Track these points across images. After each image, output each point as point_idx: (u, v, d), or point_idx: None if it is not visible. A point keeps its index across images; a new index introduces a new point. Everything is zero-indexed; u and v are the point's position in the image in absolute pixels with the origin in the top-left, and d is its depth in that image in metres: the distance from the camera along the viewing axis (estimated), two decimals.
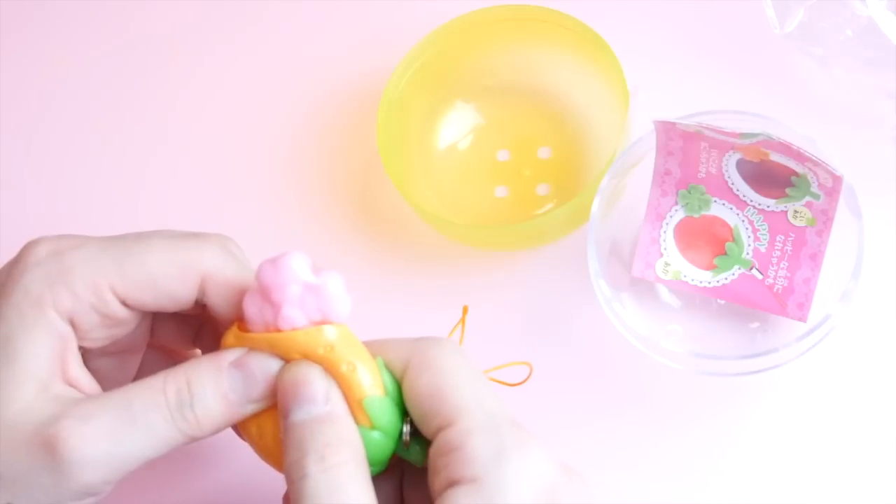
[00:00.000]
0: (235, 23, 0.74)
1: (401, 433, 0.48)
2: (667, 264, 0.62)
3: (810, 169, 0.59)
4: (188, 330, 0.54)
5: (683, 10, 0.70)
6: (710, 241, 0.62)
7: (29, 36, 0.74)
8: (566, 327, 0.64)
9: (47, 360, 0.47)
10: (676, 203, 0.63)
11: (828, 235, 0.60)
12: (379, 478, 0.49)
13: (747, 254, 0.62)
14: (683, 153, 0.61)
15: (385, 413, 0.47)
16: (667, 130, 0.60)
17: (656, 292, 0.63)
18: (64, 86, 0.73)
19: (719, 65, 0.68)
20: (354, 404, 0.47)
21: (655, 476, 0.60)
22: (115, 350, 0.52)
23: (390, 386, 0.47)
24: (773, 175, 0.60)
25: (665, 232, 0.63)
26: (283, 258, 0.47)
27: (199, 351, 0.56)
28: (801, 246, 0.61)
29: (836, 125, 0.65)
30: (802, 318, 0.60)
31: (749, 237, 0.62)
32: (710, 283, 0.62)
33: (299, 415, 0.46)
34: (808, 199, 0.60)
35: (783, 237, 0.61)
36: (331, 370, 0.47)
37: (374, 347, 0.48)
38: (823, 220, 0.60)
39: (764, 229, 0.62)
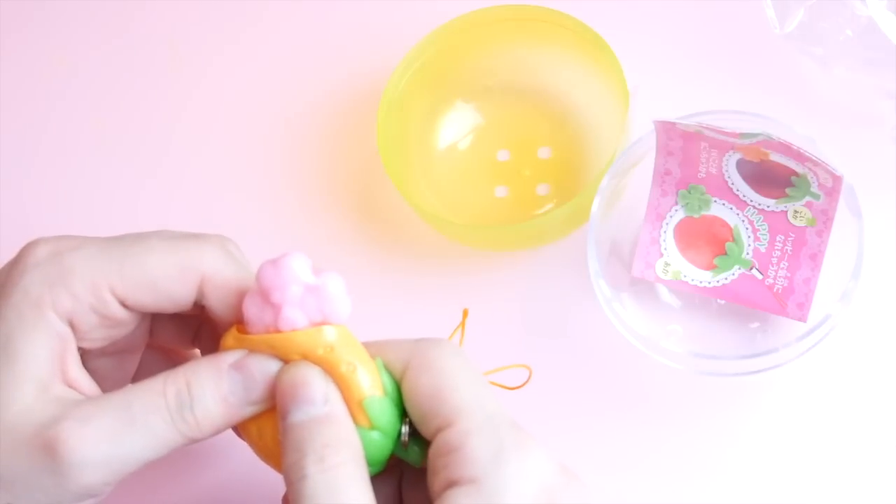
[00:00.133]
0: (235, 23, 0.74)
1: (399, 433, 0.48)
2: (667, 264, 0.62)
3: (810, 169, 0.59)
4: (187, 330, 0.54)
5: (683, 10, 0.70)
6: (710, 241, 0.62)
7: (28, 36, 0.74)
8: (566, 327, 0.64)
9: (47, 361, 0.47)
10: (676, 203, 0.63)
11: (828, 235, 0.60)
12: (378, 478, 0.49)
13: (747, 254, 0.62)
14: (683, 153, 0.61)
15: (384, 413, 0.47)
16: (667, 130, 0.60)
17: (656, 292, 0.63)
18: (63, 87, 0.73)
19: (719, 65, 0.68)
20: (354, 405, 0.47)
21: (655, 476, 0.60)
22: (113, 350, 0.52)
23: (389, 387, 0.48)
24: (773, 175, 0.60)
25: (665, 232, 0.63)
26: (284, 259, 0.47)
27: (198, 351, 0.56)
28: (801, 246, 0.61)
29: (836, 125, 0.65)
30: (802, 318, 0.60)
31: (749, 237, 0.62)
32: (710, 283, 0.62)
33: (298, 416, 0.46)
34: (808, 199, 0.60)
35: (783, 237, 0.61)
36: (330, 371, 0.47)
37: (373, 348, 0.48)
38: (823, 220, 0.60)
39: (764, 229, 0.62)
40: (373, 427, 0.47)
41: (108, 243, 0.49)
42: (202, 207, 0.69)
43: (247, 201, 0.69)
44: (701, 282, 0.62)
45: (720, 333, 0.62)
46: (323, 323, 0.47)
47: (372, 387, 0.47)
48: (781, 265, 0.61)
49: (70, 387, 0.48)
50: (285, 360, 0.48)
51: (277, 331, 0.47)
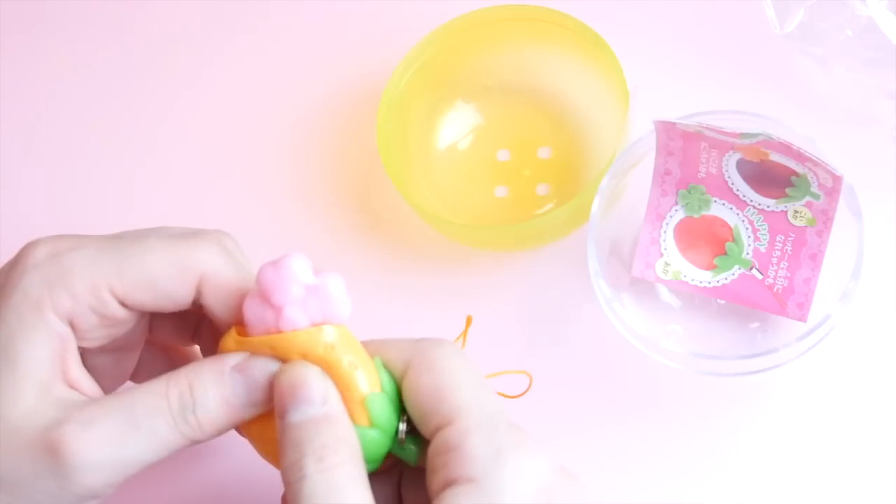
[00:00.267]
0: (235, 23, 0.74)
1: (397, 431, 0.48)
2: (667, 264, 0.62)
3: (810, 169, 0.59)
4: (186, 327, 0.54)
5: (683, 10, 0.70)
6: (710, 241, 0.62)
7: (30, 36, 0.74)
8: (566, 327, 0.64)
9: (47, 362, 0.47)
10: (676, 203, 0.63)
11: (828, 235, 0.60)
12: (378, 478, 0.49)
13: (747, 254, 0.62)
14: (683, 153, 0.61)
15: (383, 411, 0.47)
16: (667, 130, 0.60)
17: (656, 292, 0.63)
18: (64, 87, 0.73)
19: (719, 65, 0.68)
20: (354, 403, 0.47)
21: (655, 476, 0.60)
22: (113, 348, 0.52)
23: (388, 385, 0.48)
24: (773, 175, 0.60)
25: (665, 232, 0.63)
26: (284, 260, 0.47)
27: (197, 347, 0.56)
28: (801, 246, 0.61)
29: (836, 125, 0.65)
30: (802, 318, 0.60)
31: (749, 237, 0.62)
32: (710, 283, 0.62)
33: (296, 416, 0.46)
34: (808, 199, 0.60)
35: (783, 237, 0.61)
36: (330, 369, 0.47)
37: (374, 347, 0.48)
38: (823, 220, 0.60)
39: (764, 229, 0.62)
40: (372, 425, 0.47)
41: (106, 243, 0.49)
42: (202, 207, 0.69)
43: (247, 201, 0.69)
44: (701, 282, 0.62)
45: (720, 333, 0.62)
46: (324, 323, 0.47)
47: (372, 384, 0.47)
48: (781, 265, 0.61)
49: (71, 387, 0.48)
50: (285, 361, 0.48)
51: (278, 331, 0.47)
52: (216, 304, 0.49)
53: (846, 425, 0.60)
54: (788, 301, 0.61)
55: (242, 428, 0.49)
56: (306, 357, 0.47)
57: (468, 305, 0.65)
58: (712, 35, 0.69)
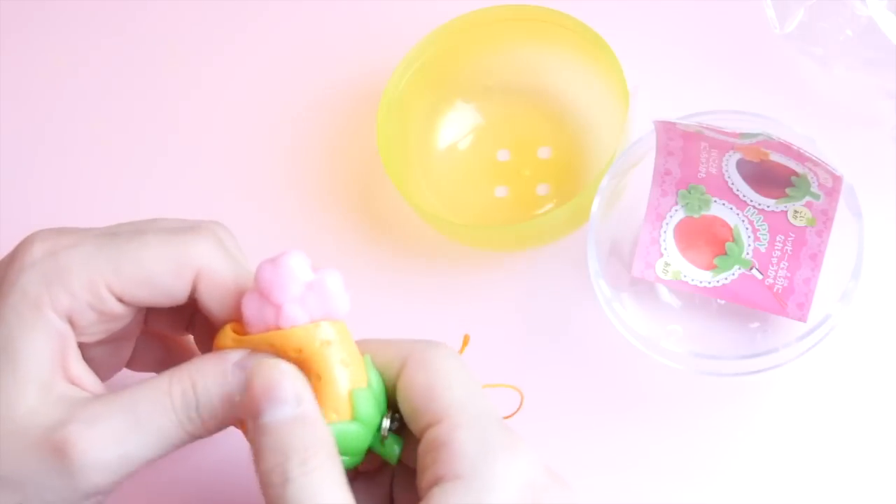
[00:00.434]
0: (235, 23, 0.74)
1: (379, 427, 0.48)
2: (667, 264, 0.62)
3: (810, 169, 0.59)
4: (181, 318, 0.54)
5: (683, 10, 0.70)
6: (710, 241, 0.62)
7: (29, 35, 0.74)
8: (566, 327, 0.64)
9: (48, 360, 0.47)
10: (676, 203, 0.63)
11: (828, 235, 0.60)
12: (370, 480, 0.50)
13: (747, 254, 0.62)
14: (683, 153, 0.61)
15: (366, 406, 0.47)
16: (667, 130, 0.60)
17: (656, 292, 0.63)
18: (63, 87, 0.73)
19: (719, 65, 0.68)
20: (340, 397, 0.47)
21: (655, 476, 0.60)
22: (109, 340, 0.52)
23: (374, 382, 0.48)
24: (773, 175, 0.60)
25: (665, 232, 0.63)
26: (283, 257, 0.47)
27: (191, 337, 0.56)
28: (801, 246, 0.61)
29: (836, 125, 0.65)
30: (802, 318, 0.60)
31: (749, 237, 0.62)
32: (710, 283, 0.62)
33: (272, 416, 0.46)
34: (808, 199, 0.60)
35: (783, 237, 0.61)
36: (322, 364, 0.47)
37: (372, 347, 0.49)
38: (823, 220, 0.60)
39: (764, 229, 0.62)
40: (354, 418, 0.47)
41: (103, 240, 0.49)
42: (202, 207, 0.69)
43: (247, 201, 0.69)
44: (701, 282, 0.62)
45: (720, 333, 0.62)
46: (323, 319, 0.47)
47: (358, 380, 0.48)
48: (781, 265, 0.61)
49: (73, 384, 0.48)
50: (282, 357, 0.48)
51: (276, 328, 0.47)
52: (212, 300, 0.49)
53: (846, 425, 0.60)
54: (788, 301, 0.61)
55: (239, 422, 0.49)
56: (302, 353, 0.47)
57: (468, 305, 0.65)
58: (712, 35, 0.69)
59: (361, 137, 0.69)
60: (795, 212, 0.61)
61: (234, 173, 0.70)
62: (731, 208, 0.62)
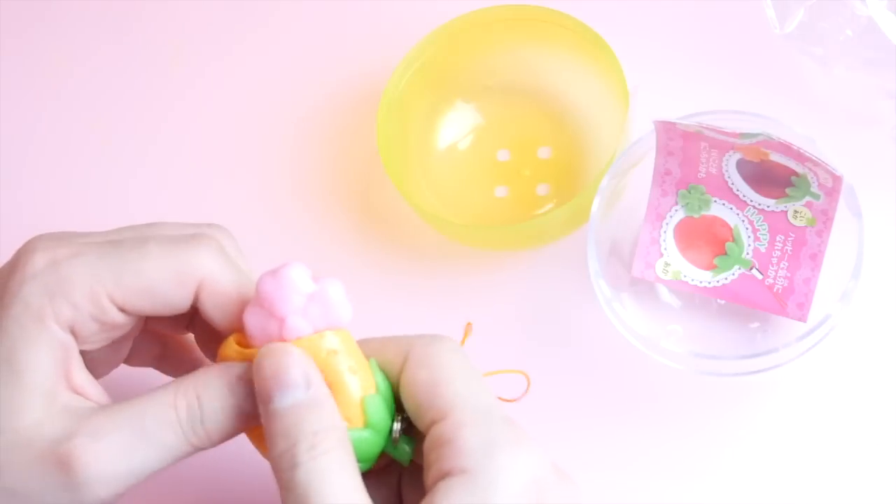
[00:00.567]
0: (235, 24, 0.74)
1: (390, 431, 0.48)
2: (667, 264, 0.62)
3: (810, 169, 0.59)
4: (181, 318, 0.54)
5: (683, 10, 0.70)
6: (710, 241, 0.62)
7: (30, 36, 0.74)
8: (566, 327, 0.64)
9: (52, 371, 0.47)
10: (676, 203, 0.63)
11: (828, 235, 0.60)
12: (377, 478, 0.49)
13: (747, 254, 0.62)
14: (683, 153, 0.61)
15: (378, 412, 0.47)
16: (667, 130, 0.60)
17: (656, 292, 0.63)
18: (64, 87, 0.73)
19: (719, 65, 0.68)
20: (351, 405, 0.47)
21: (655, 476, 0.60)
22: (109, 344, 0.52)
23: (382, 386, 0.48)
24: (773, 175, 0.60)
25: (665, 232, 0.63)
26: (284, 270, 0.47)
27: (192, 336, 0.56)
28: (801, 246, 0.61)
29: (836, 125, 0.65)
30: (802, 318, 0.60)
31: (749, 237, 0.62)
32: (710, 283, 0.62)
33: (282, 401, 0.46)
34: (808, 199, 0.60)
35: (783, 237, 0.61)
36: (329, 374, 0.47)
37: (372, 345, 0.48)
38: (823, 220, 0.60)
39: (764, 229, 0.62)
40: (367, 426, 0.47)
41: (105, 249, 0.49)
42: (203, 207, 0.69)
43: (247, 201, 0.69)
44: (701, 282, 0.62)
45: (720, 333, 0.62)
46: (326, 329, 0.47)
47: (367, 387, 0.47)
48: (781, 265, 0.61)
49: (77, 393, 0.48)
50: None
51: (282, 340, 0.47)
52: (214, 310, 0.49)
53: (846, 425, 0.60)
54: (788, 301, 0.61)
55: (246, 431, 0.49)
56: None
57: (468, 305, 0.65)
58: (712, 35, 0.69)
59: (361, 137, 0.69)
60: (795, 212, 0.61)
61: (234, 173, 0.70)
62: (731, 208, 0.62)
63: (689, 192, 0.62)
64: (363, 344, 0.49)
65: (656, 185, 0.63)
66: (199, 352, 0.56)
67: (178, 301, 0.49)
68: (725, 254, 0.62)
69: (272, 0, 0.74)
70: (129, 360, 0.55)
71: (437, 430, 0.46)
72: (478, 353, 0.52)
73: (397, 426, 0.48)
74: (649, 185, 0.63)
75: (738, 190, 0.62)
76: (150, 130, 0.71)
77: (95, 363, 0.51)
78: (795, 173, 0.59)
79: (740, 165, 0.61)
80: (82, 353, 0.50)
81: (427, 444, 0.46)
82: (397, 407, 0.49)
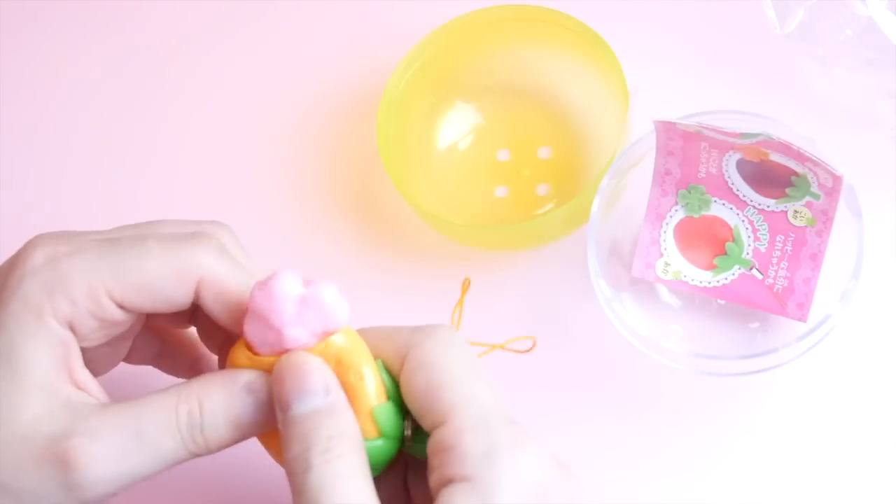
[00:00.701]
0: (235, 23, 0.74)
1: (403, 434, 0.48)
2: (667, 264, 0.62)
3: (810, 169, 0.59)
4: (183, 313, 0.54)
5: (683, 10, 0.70)
6: (710, 241, 0.62)
7: (28, 36, 0.74)
8: (566, 327, 0.64)
9: (52, 367, 0.47)
10: (676, 203, 0.63)
11: (828, 235, 0.60)
12: (384, 472, 0.49)
13: (747, 254, 0.62)
14: (683, 153, 0.61)
15: (390, 419, 0.47)
16: (667, 130, 0.60)
17: (656, 292, 0.63)
18: (62, 87, 0.73)
19: (719, 65, 0.68)
20: (362, 414, 0.47)
21: (655, 476, 0.60)
22: (109, 341, 0.52)
23: (391, 389, 0.48)
24: (773, 175, 0.60)
25: (665, 232, 0.63)
26: (273, 282, 0.47)
27: (192, 333, 0.56)
28: (801, 246, 0.61)
29: (836, 125, 0.65)
30: (802, 318, 0.60)
31: (749, 237, 0.62)
32: (710, 283, 0.62)
33: (301, 407, 0.46)
34: (808, 199, 0.60)
35: (783, 237, 0.61)
36: (342, 384, 0.47)
37: (372, 343, 0.48)
38: (823, 220, 0.60)
39: (764, 229, 0.62)
40: (380, 434, 0.47)
41: (105, 246, 0.49)
42: (202, 207, 0.69)
43: (247, 201, 0.69)
44: (701, 282, 0.62)
45: (720, 333, 0.62)
46: (324, 332, 0.47)
47: (378, 394, 0.47)
48: (781, 265, 0.61)
49: (80, 389, 0.48)
50: None
51: (285, 350, 0.47)
52: (216, 307, 0.49)
53: (846, 425, 0.60)
54: (788, 301, 0.61)
55: (262, 435, 0.49)
56: None
57: (468, 305, 0.65)
58: (712, 35, 0.69)
59: (361, 137, 0.69)
60: (795, 212, 0.61)
61: (233, 173, 0.70)
62: (731, 208, 0.62)
63: (689, 192, 0.62)
64: (362, 334, 0.49)
65: (656, 185, 0.63)
66: (199, 349, 0.56)
67: (177, 298, 0.49)
68: (725, 254, 0.62)
69: (272, 0, 0.74)
70: (129, 358, 0.55)
71: (439, 435, 0.46)
72: (478, 352, 0.51)
73: (409, 431, 0.48)
74: (649, 185, 0.63)
75: (738, 190, 0.62)
76: (148, 130, 0.71)
77: (95, 361, 0.51)
78: (795, 173, 0.59)
79: (740, 165, 0.61)
80: (81, 350, 0.50)
81: (430, 447, 0.46)
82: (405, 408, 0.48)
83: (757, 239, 0.62)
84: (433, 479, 0.45)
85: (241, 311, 0.48)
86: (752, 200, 0.62)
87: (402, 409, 0.48)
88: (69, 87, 0.73)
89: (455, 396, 0.46)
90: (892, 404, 0.60)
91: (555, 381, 0.62)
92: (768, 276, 0.61)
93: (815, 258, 0.61)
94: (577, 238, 0.64)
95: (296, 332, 0.47)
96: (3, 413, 0.46)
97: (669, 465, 0.60)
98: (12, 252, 0.50)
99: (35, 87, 0.73)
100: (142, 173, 0.70)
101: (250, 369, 0.48)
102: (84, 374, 0.48)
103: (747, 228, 0.62)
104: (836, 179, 0.58)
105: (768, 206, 0.61)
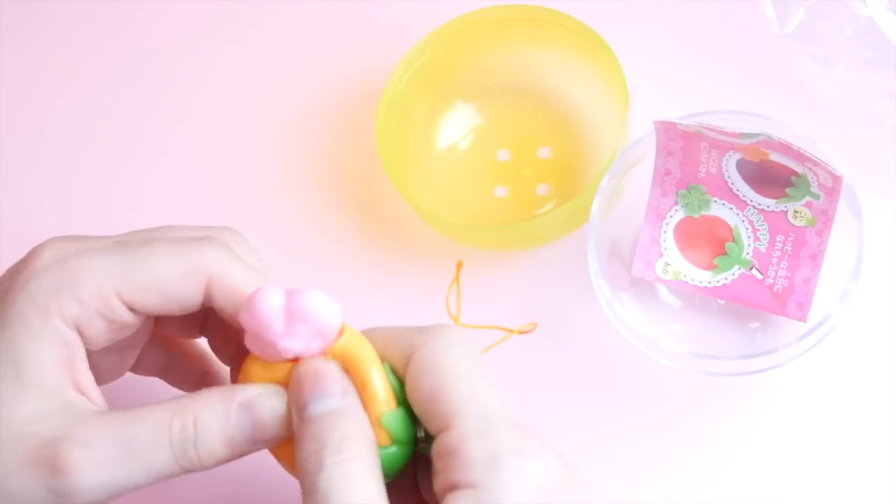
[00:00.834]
0: (235, 23, 0.74)
1: (415, 437, 0.48)
2: (667, 264, 0.62)
3: (810, 169, 0.59)
4: (193, 321, 0.54)
5: (683, 10, 0.70)
6: (710, 241, 0.62)
7: (30, 37, 0.74)
8: (566, 327, 0.64)
9: (54, 368, 0.47)
10: (676, 203, 0.63)
11: (828, 235, 0.60)
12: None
13: (747, 254, 0.62)
14: (683, 153, 0.61)
15: (401, 426, 0.47)
16: (667, 130, 0.60)
17: (656, 292, 0.63)
18: (64, 88, 0.73)
19: (719, 65, 0.68)
20: (374, 421, 0.47)
21: (655, 476, 0.60)
22: (116, 348, 0.52)
23: (399, 392, 0.47)
24: (773, 175, 0.60)
25: (665, 232, 0.63)
26: (254, 304, 0.46)
27: (200, 347, 0.56)
28: (801, 246, 0.61)
29: (836, 125, 0.65)
30: (802, 318, 0.60)
31: (749, 237, 0.62)
32: (710, 283, 0.62)
33: (317, 408, 0.46)
34: (808, 199, 0.60)
35: (783, 237, 0.61)
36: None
37: (378, 345, 0.48)
38: (823, 220, 0.60)
39: (764, 229, 0.62)
40: (393, 442, 0.47)
41: (113, 247, 0.49)
42: (202, 208, 0.69)
43: (247, 202, 0.69)
44: (701, 282, 0.62)
45: (720, 333, 0.62)
46: (322, 338, 0.47)
47: (387, 400, 0.47)
48: (781, 265, 0.61)
49: (81, 393, 0.48)
50: None
51: (296, 358, 0.47)
52: (228, 306, 0.49)
53: (846, 425, 0.60)
54: (788, 301, 0.61)
55: (277, 448, 0.49)
56: None
57: (468, 305, 0.65)
58: (712, 35, 0.69)
59: (361, 137, 0.69)
60: (795, 212, 0.61)
61: (234, 173, 0.70)
62: (731, 208, 0.62)
63: (689, 192, 0.62)
64: (368, 335, 0.48)
65: (656, 185, 0.63)
66: (208, 363, 0.56)
67: (187, 297, 0.49)
68: (725, 254, 0.62)
69: (272, 0, 0.74)
70: (136, 368, 0.55)
71: (443, 440, 0.45)
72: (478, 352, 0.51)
73: (421, 433, 0.47)
74: (649, 185, 0.63)
75: (738, 190, 0.62)
76: (148, 131, 0.71)
77: (101, 368, 0.51)
78: (795, 173, 0.59)
79: (740, 165, 0.61)
80: (89, 355, 0.49)
81: (434, 450, 0.46)
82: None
83: (757, 239, 0.62)
84: (437, 484, 0.45)
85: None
86: (752, 200, 0.62)
87: (412, 416, 0.48)
88: (69, 88, 0.73)
89: (459, 399, 0.45)
90: (892, 404, 0.60)
91: (555, 381, 0.62)
92: (768, 276, 0.61)
93: (815, 258, 0.61)
94: (577, 238, 0.64)
95: (290, 343, 0.47)
96: (1, 411, 0.46)
97: (669, 465, 0.60)
98: (15, 254, 0.50)
99: (36, 88, 0.73)
100: (142, 173, 0.70)
101: (251, 385, 0.48)
102: (87, 379, 0.48)
103: (747, 228, 0.62)
104: (836, 179, 0.58)
105: (768, 206, 0.61)
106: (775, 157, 0.59)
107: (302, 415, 0.46)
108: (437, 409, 0.46)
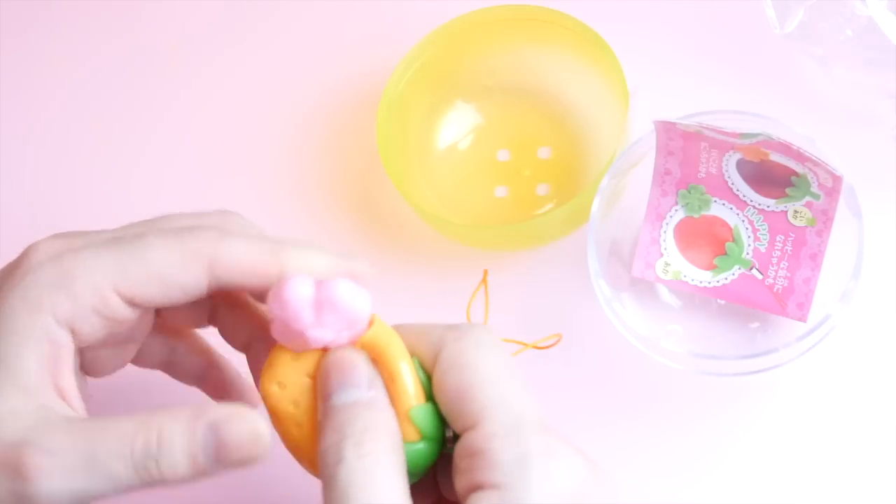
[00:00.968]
0: (235, 24, 0.74)
1: (443, 436, 0.47)
2: (667, 264, 0.62)
3: (810, 169, 0.59)
4: (201, 310, 0.53)
5: (683, 10, 0.70)
6: (710, 241, 0.62)
7: (29, 36, 0.74)
8: (566, 328, 0.64)
9: (35, 368, 0.46)
10: (676, 203, 0.63)
11: (828, 235, 0.60)
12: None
13: (747, 254, 0.62)
14: (683, 153, 0.61)
15: (430, 421, 0.46)
16: (667, 130, 0.60)
17: (656, 292, 0.63)
18: (63, 87, 0.73)
19: (719, 65, 0.68)
20: (402, 416, 0.46)
21: (655, 476, 0.60)
22: (114, 343, 0.51)
23: (427, 387, 0.47)
24: (773, 175, 0.60)
25: (665, 232, 0.63)
26: (284, 290, 0.46)
27: (205, 342, 0.55)
28: (801, 246, 0.61)
29: (836, 125, 0.65)
30: (802, 318, 0.60)
31: (749, 237, 0.62)
32: (710, 283, 0.62)
33: (342, 398, 0.45)
34: (808, 199, 0.60)
35: (783, 237, 0.61)
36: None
37: (406, 340, 0.47)
38: (823, 220, 0.60)
39: (764, 229, 0.62)
40: (421, 438, 0.46)
41: (109, 243, 0.48)
42: (203, 207, 0.69)
43: (246, 201, 0.69)
44: (701, 282, 0.62)
45: (720, 333, 0.62)
46: (352, 328, 0.47)
47: (416, 395, 0.46)
48: (781, 265, 0.61)
49: (60, 396, 0.47)
50: None
51: (325, 347, 0.47)
52: (238, 278, 0.48)
53: (846, 425, 0.60)
54: (788, 301, 0.61)
55: (276, 423, 0.48)
56: None
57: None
58: (712, 35, 0.69)
59: (361, 137, 0.69)
60: (795, 212, 0.61)
61: (234, 173, 0.70)
62: (731, 208, 0.62)
63: (689, 192, 0.62)
64: (396, 330, 0.48)
65: (656, 185, 0.63)
66: (213, 356, 0.55)
67: (189, 283, 0.48)
68: (725, 254, 0.62)
69: (272, 0, 0.74)
70: (137, 361, 0.55)
71: (469, 439, 0.45)
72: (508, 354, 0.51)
73: (450, 433, 0.47)
74: (649, 185, 0.63)
75: (738, 190, 0.62)
76: (149, 130, 0.71)
77: (98, 362, 0.51)
78: (795, 173, 0.59)
79: (740, 165, 0.61)
80: (85, 350, 0.49)
81: (458, 450, 0.45)
82: None
83: (757, 239, 0.62)
84: (461, 483, 0.45)
85: (264, 278, 0.47)
86: (752, 200, 0.62)
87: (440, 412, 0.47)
88: (70, 88, 0.73)
89: (486, 399, 0.45)
90: (892, 404, 0.60)
91: (555, 381, 0.62)
92: (768, 276, 0.61)
93: (815, 258, 0.61)
94: (577, 238, 0.64)
95: (319, 333, 0.46)
96: None
97: (669, 465, 0.60)
98: (14, 252, 0.50)
99: (38, 88, 0.73)
100: (142, 173, 0.70)
101: (224, 405, 0.46)
102: (69, 381, 0.47)
103: (747, 228, 0.62)
104: (836, 179, 0.58)
105: (768, 206, 0.61)
106: (775, 157, 0.59)
107: (326, 405, 0.46)
108: (464, 408, 0.45)
